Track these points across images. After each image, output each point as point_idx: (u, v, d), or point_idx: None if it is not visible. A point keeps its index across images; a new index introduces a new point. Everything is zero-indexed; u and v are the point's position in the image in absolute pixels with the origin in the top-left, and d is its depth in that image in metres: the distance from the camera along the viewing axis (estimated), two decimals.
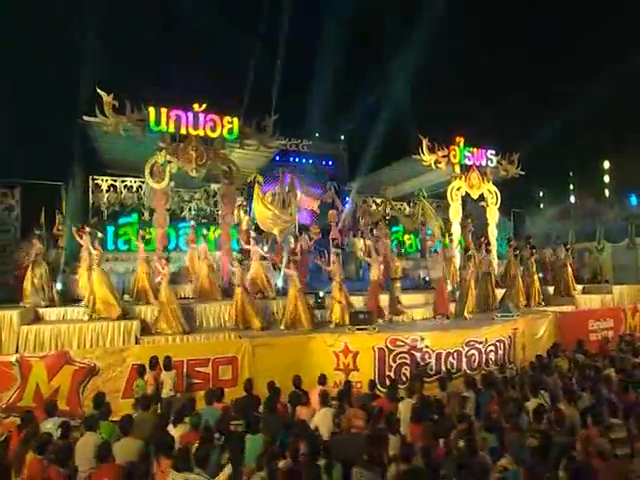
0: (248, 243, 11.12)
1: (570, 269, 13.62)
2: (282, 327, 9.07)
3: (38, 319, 8.00)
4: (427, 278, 13.37)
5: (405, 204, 17.86)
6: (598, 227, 14.79)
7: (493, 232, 14.68)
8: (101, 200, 13.85)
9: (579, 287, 13.78)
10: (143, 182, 13.49)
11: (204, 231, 11.86)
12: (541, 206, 17.32)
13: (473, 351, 8.54)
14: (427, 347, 8.15)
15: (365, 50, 17.65)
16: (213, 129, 11.11)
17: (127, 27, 12.97)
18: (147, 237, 10.95)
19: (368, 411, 5.87)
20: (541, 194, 18.00)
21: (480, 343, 8.64)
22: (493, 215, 14.70)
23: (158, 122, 10.64)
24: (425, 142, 13.65)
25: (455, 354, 8.35)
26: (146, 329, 8.42)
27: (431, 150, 13.75)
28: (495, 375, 7.52)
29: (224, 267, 10.92)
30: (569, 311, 11.65)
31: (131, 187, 14.15)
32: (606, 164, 16.79)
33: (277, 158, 17.66)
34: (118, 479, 4.15)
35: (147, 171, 10.67)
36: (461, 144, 14.19)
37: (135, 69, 12.30)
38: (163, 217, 10.72)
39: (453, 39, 16.28)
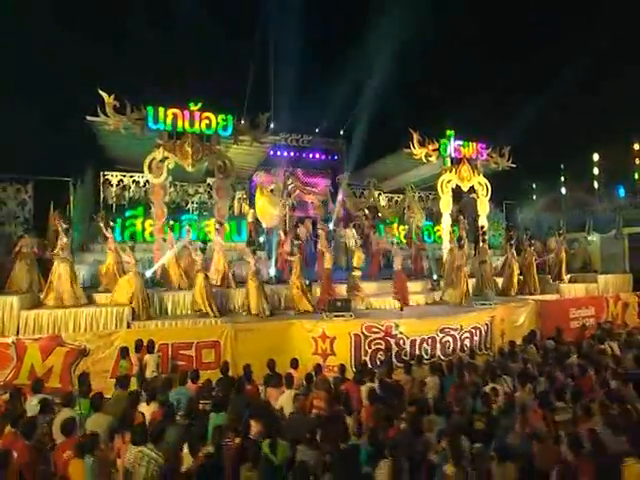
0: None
1: (564, 257, 13.40)
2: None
3: (40, 305, 8.26)
4: None
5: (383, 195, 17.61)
6: (587, 218, 14.38)
7: (484, 223, 14.44)
8: (110, 194, 14.12)
9: (566, 277, 13.52)
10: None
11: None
12: (534, 197, 16.94)
13: (448, 338, 8.49)
14: (402, 334, 8.14)
15: (362, 48, 17.37)
16: (208, 126, 11.23)
17: (126, 29, 13.08)
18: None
19: (331, 393, 5.93)
20: (534, 186, 17.58)
21: (455, 330, 8.58)
22: (484, 207, 14.46)
23: (156, 120, 10.81)
24: (416, 136, 13.50)
25: (429, 340, 8.32)
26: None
27: (421, 144, 13.59)
28: (463, 361, 7.45)
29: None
30: (550, 299, 11.39)
31: (138, 182, 14.35)
32: (595, 157, 16.27)
33: (279, 153, 17.83)
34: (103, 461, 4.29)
35: (146, 166, 10.85)
36: (452, 138, 13.98)
37: (135, 69, 12.34)
38: (161, 210, 10.90)
39: (443, 37, 15.91)
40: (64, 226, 9.34)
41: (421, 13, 15.60)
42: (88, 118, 10.43)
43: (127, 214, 13.03)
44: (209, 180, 14.09)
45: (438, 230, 15.23)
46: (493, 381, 6.04)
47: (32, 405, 5.35)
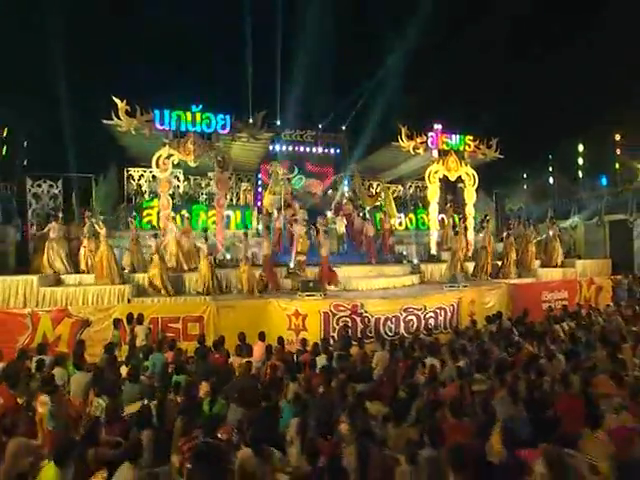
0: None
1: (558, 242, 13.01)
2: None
3: (59, 283, 9.01)
4: (404, 253, 13.33)
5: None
6: (572, 206, 13.83)
7: (471, 211, 14.24)
8: (132, 188, 14.87)
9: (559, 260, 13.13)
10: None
11: None
12: (524, 187, 16.38)
13: (411, 317, 8.59)
14: (366, 312, 8.32)
15: (360, 47, 17.18)
16: (208, 125, 11.59)
17: (131, 39, 13.55)
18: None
19: (285, 362, 6.25)
20: (524, 176, 16.97)
21: (419, 310, 8.66)
22: (470, 195, 14.22)
23: (162, 121, 11.28)
24: (404, 130, 13.37)
25: (393, 319, 8.46)
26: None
27: (409, 137, 13.44)
28: (421, 339, 7.55)
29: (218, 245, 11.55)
30: (522, 283, 11.17)
31: (155, 176, 14.97)
32: (580, 147, 15.54)
33: (284, 148, 18.07)
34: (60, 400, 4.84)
35: (154, 162, 11.38)
36: (439, 131, 13.74)
37: (145, 75, 12.81)
38: (166, 200, 11.41)
39: (434, 35, 15.46)
40: (101, 217, 10.29)
41: (415, 13, 15.22)
42: (104, 121, 11.04)
43: (144, 205, 13.74)
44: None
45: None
46: (432, 356, 6.14)
47: (34, 364, 6.01)
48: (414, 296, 9.02)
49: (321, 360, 6.27)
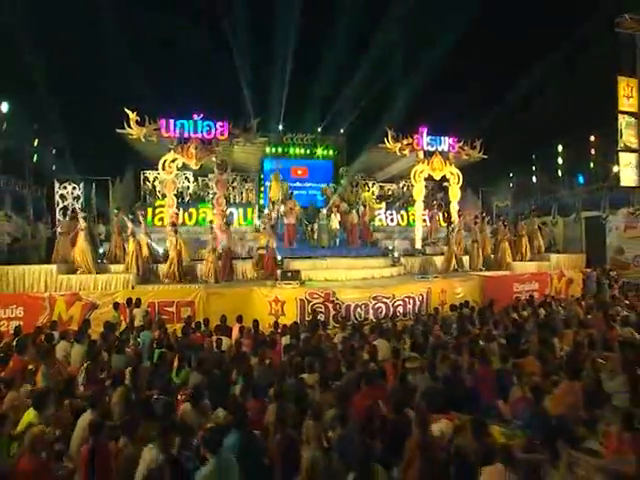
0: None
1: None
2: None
3: (75, 271, 9.88)
4: (390, 247, 13.64)
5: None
6: (553, 203, 13.76)
7: (455, 208, 14.34)
8: (147, 188, 15.75)
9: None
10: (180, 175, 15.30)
11: None
12: (510, 185, 16.29)
13: (380, 304, 8.98)
14: (338, 299, 8.78)
15: (359, 57, 17.54)
16: (209, 132, 12.23)
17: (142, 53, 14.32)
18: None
19: (255, 341, 6.82)
20: (511, 175, 16.84)
21: (387, 298, 9.05)
22: (455, 193, 14.33)
23: (168, 129, 11.99)
24: (390, 133, 13.63)
25: (363, 306, 8.87)
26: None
27: (395, 139, 13.69)
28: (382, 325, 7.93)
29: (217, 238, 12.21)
30: (494, 275, 11.33)
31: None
32: (560, 148, 15.38)
33: (285, 150, 18.64)
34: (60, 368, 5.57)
35: (160, 166, 12.13)
36: (424, 133, 13.92)
37: (152, 86, 13.58)
38: (172, 199, 12.13)
39: (425, 38, 15.60)
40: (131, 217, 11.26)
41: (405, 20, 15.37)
42: (117, 130, 11.85)
43: (157, 204, 14.56)
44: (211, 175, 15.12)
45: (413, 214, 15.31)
46: (383, 338, 6.55)
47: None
48: (384, 286, 9.40)
49: (286, 339, 6.81)
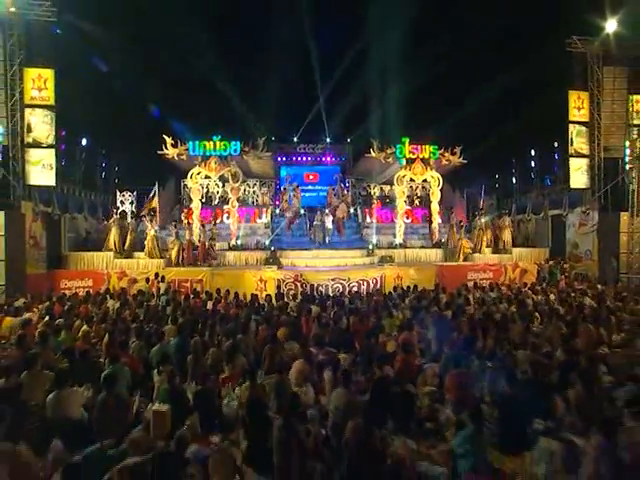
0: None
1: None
2: None
3: (129, 256, 13.50)
4: (374, 241, 15.76)
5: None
6: (528, 203, 14.87)
7: (435, 208, 16.04)
8: (185, 194, 19.43)
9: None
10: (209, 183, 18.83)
11: None
12: (497, 186, 17.33)
13: (338, 285, 11.36)
14: (304, 280, 11.32)
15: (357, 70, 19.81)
16: (225, 150, 15.37)
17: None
18: None
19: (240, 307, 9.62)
20: (496, 176, 17.80)
21: (344, 280, 11.40)
22: (435, 195, 16.02)
23: (194, 149, 15.32)
24: (375, 143, 15.72)
25: (324, 286, 11.32)
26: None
27: (380, 149, 15.75)
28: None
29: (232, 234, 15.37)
30: (450, 264, 13.02)
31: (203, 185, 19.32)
32: (532, 153, 16.18)
33: (299, 159, 21.47)
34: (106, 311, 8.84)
35: (189, 177, 15.53)
36: (406, 143, 15.77)
37: (180, 114, 17.13)
38: (197, 204, 15.47)
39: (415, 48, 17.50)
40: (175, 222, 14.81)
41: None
42: (158, 152, 15.43)
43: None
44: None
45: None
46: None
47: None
48: (341, 270, 11.75)
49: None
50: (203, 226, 14.21)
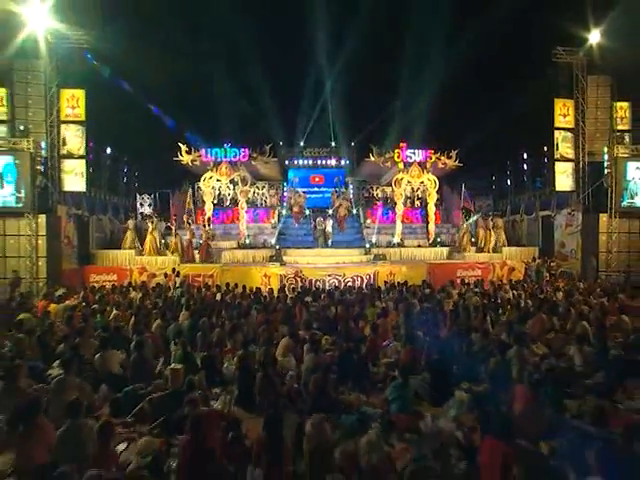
0: None
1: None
2: None
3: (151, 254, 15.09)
4: (373, 240, 16.93)
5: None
6: (521, 204, 15.73)
7: (432, 208, 17.08)
8: (199, 197, 21.01)
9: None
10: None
11: None
12: (493, 187, 18.14)
13: (334, 280, 12.62)
14: (304, 275, 12.62)
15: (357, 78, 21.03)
16: (235, 156, 16.80)
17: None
18: None
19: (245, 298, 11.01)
20: (493, 178, 18.58)
21: (339, 276, 12.65)
22: (432, 196, 17.05)
23: (206, 155, 16.81)
24: (375, 149, 16.86)
25: (321, 281, 12.60)
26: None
27: (379, 154, 16.88)
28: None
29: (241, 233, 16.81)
30: (440, 262, 14.07)
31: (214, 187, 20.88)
32: (525, 156, 16.97)
33: (303, 162, 22.79)
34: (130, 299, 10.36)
35: (202, 181, 17.05)
36: (404, 147, 16.84)
37: (193, 123, 18.70)
38: (210, 207, 16.98)
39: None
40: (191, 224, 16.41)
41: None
42: (174, 159, 17.00)
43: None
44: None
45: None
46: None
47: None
48: (337, 267, 12.99)
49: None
50: (204, 226, 15.66)
